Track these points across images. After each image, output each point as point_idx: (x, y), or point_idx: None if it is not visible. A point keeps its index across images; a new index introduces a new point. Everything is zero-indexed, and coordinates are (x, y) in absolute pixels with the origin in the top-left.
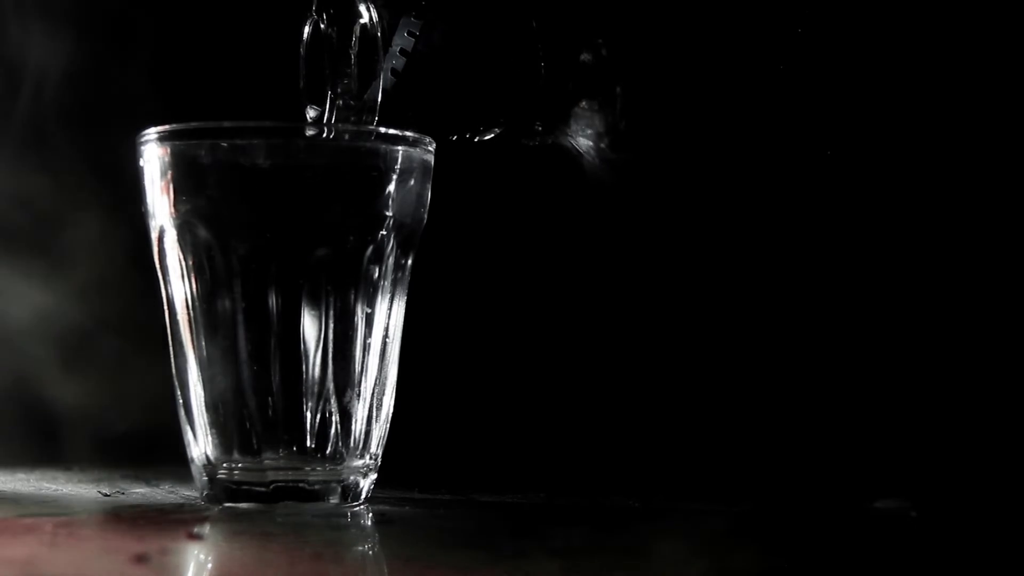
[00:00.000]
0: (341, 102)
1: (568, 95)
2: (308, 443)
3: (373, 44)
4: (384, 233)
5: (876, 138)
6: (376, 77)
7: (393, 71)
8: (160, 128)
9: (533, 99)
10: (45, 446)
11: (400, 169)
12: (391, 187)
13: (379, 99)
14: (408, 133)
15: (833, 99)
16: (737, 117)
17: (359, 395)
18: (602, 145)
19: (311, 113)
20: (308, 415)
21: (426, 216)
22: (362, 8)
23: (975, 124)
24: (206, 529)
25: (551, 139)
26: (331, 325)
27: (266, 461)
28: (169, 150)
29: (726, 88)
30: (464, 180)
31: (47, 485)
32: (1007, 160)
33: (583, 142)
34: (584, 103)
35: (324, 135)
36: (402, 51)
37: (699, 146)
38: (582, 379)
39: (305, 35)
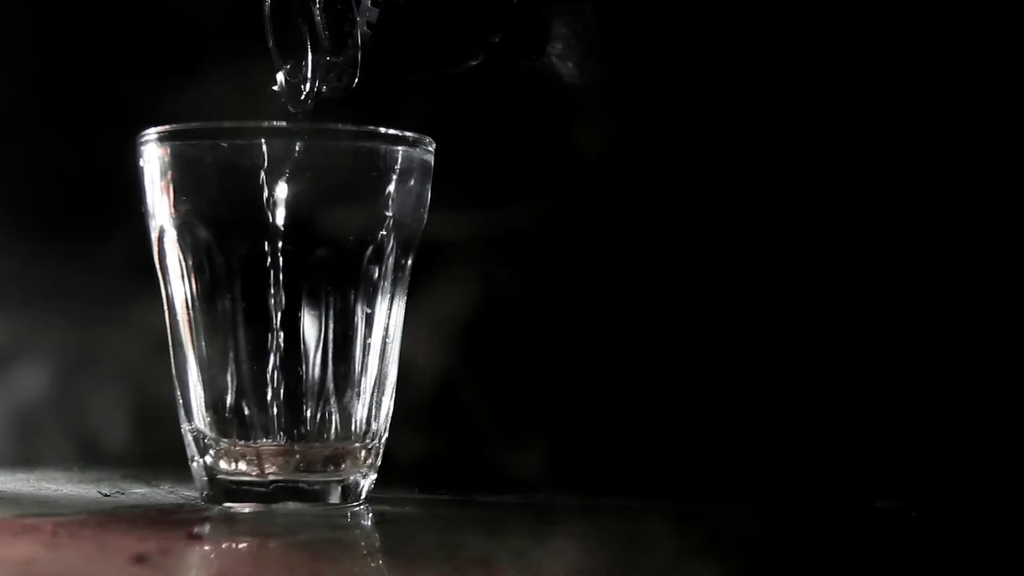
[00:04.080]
0: (320, 62)
1: (542, 19)
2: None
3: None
4: (384, 233)
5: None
6: (351, 34)
7: (369, 24)
8: (160, 128)
9: (508, 26)
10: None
11: (400, 169)
12: (391, 187)
13: (359, 54)
14: (408, 133)
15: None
16: (714, 33)
17: (359, 395)
18: (580, 65)
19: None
20: (308, 415)
21: (426, 216)
22: None
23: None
24: (206, 529)
25: (529, 64)
26: (331, 325)
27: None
28: (169, 150)
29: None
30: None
31: (47, 485)
32: (1011, 164)
33: (561, 64)
34: (558, 26)
35: (305, 98)
36: (374, 2)
37: (677, 62)
38: (583, 378)
39: None
